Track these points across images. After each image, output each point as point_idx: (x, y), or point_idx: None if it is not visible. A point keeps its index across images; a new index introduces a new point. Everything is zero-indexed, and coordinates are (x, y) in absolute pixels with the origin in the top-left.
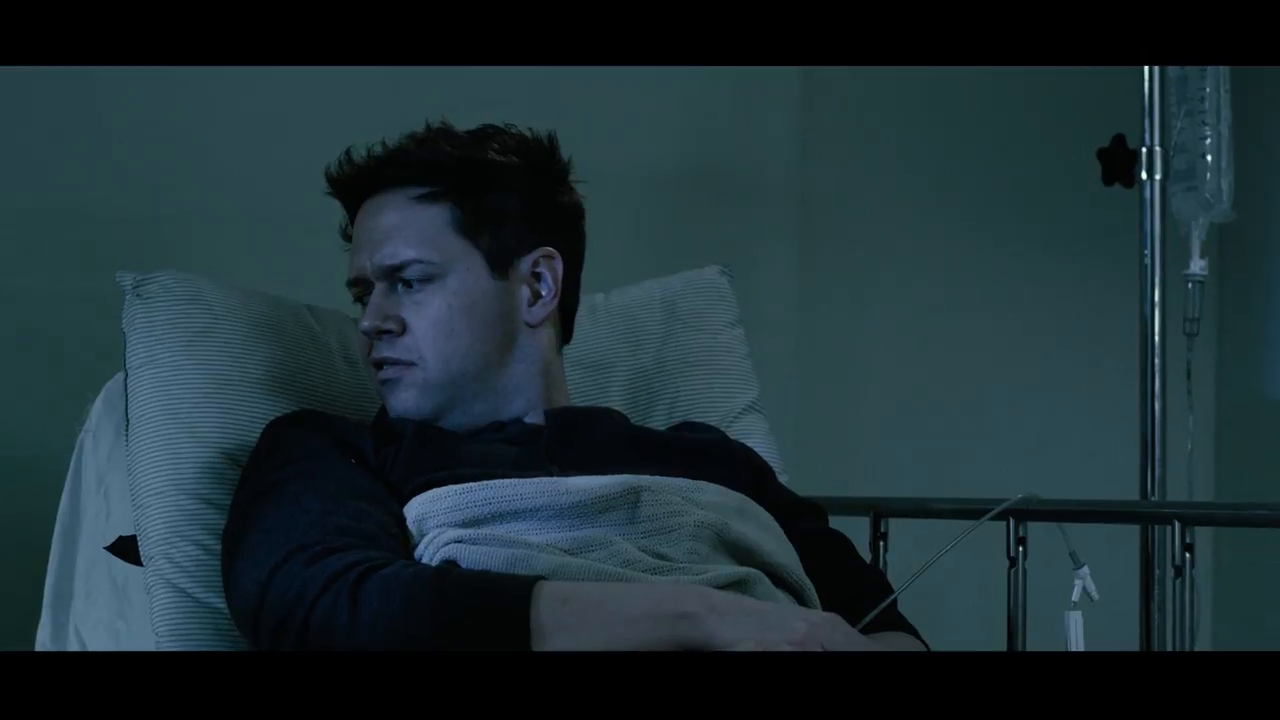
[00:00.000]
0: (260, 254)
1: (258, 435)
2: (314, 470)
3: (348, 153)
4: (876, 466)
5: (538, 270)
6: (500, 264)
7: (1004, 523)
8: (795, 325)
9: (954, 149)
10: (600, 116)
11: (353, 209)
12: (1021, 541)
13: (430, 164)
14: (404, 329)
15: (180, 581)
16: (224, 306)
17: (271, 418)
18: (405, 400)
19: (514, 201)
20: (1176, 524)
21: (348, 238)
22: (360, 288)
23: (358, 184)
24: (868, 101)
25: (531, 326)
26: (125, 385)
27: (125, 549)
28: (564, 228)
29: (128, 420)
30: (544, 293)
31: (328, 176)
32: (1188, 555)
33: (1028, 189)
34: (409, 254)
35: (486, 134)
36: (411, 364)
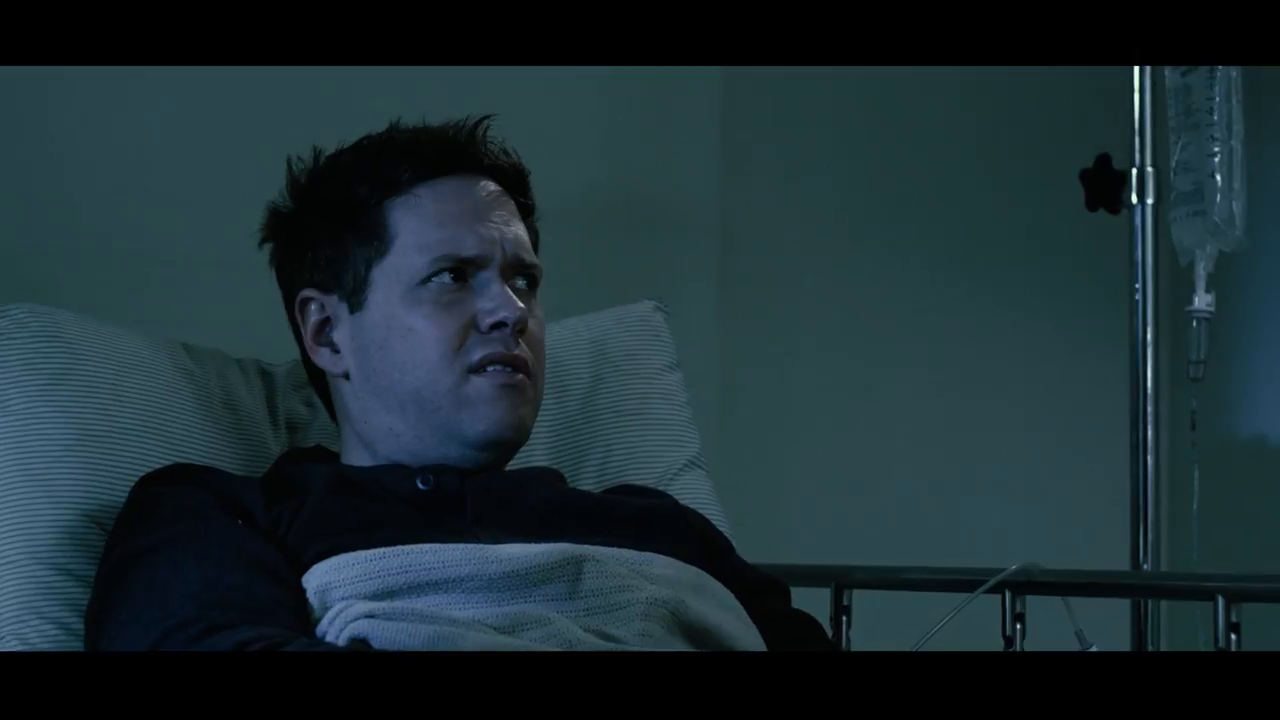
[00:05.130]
0: (127, 288)
1: (126, 494)
2: (193, 533)
3: (459, 124)
4: (815, 530)
5: None
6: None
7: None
8: (717, 373)
9: (905, 169)
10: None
11: (422, 175)
12: (1020, 618)
13: (524, 175)
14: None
15: None
16: (87, 345)
17: (142, 473)
18: (518, 417)
19: None
20: (1220, 599)
21: (364, 200)
22: (456, 265)
23: (462, 157)
24: (801, 115)
25: None
26: None
27: None
28: None
29: None
30: None
31: (424, 131)
32: (1234, 636)
33: (996, 215)
34: (536, 261)
35: None
36: (532, 376)
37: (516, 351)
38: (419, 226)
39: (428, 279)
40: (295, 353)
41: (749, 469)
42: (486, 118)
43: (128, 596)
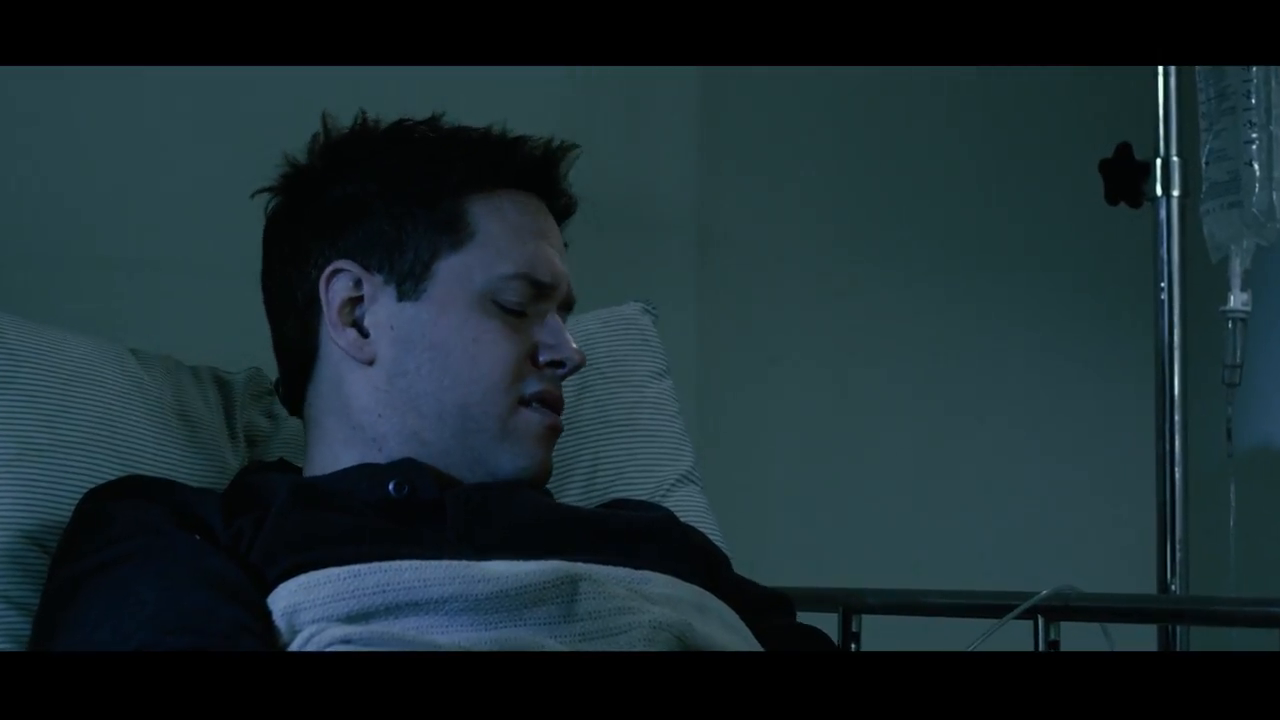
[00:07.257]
0: (68, 290)
1: (71, 511)
2: (148, 550)
3: (549, 142)
4: (812, 553)
5: None
6: None
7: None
8: (698, 382)
9: (901, 164)
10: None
11: (510, 182)
12: (1054, 646)
13: (573, 213)
14: None
15: None
16: (28, 350)
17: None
18: (549, 460)
19: None
20: None
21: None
22: (530, 292)
23: (550, 178)
24: (785, 111)
25: None
26: None
27: None
28: None
29: None
30: None
31: (523, 145)
32: None
33: (1005, 210)
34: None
35: None
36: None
37: (559, 394)
38: (502, 233)
39: (501, 292)
40: (251, 360)
41: (735, 485)
42: (576, 146)
43: (76, 621)
